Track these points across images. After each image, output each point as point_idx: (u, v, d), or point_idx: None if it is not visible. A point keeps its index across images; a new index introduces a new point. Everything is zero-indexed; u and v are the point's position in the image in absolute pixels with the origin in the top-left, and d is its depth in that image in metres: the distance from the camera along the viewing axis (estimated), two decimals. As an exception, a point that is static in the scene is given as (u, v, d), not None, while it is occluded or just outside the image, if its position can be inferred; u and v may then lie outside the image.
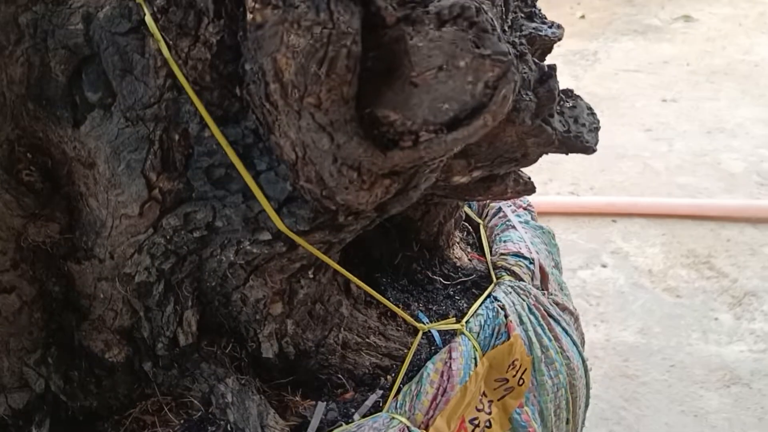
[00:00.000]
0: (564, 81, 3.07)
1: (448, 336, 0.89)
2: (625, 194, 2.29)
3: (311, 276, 0.78)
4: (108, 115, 0.67)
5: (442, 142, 0.60)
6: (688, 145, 2.52)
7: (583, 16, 3.65)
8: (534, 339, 0.89)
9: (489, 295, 0.91)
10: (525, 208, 1.04)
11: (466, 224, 1.05)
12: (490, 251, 0.99)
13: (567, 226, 2.18)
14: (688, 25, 3.56)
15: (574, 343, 0.95)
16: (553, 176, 2.34)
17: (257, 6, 0.55)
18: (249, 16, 0.56)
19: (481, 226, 1.04)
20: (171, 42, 0.64)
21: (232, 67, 0.65)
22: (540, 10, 0.79)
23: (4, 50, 0.65)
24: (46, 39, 0.65)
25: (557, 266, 1.03)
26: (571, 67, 3.12)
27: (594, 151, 0.75)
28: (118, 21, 0.64)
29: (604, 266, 2.03)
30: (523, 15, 0.77)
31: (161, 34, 0.63)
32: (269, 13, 0.55)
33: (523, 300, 0.91)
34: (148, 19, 0.64)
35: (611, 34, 3.46)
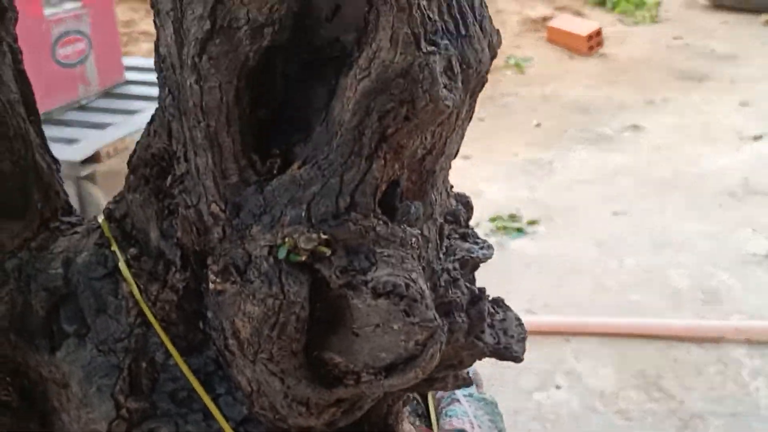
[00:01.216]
0: (521, 192, 3.21)
1: None
2: (578, 311, 2.39)
3: (266, 475, 0.84)
4: (82, 344, 0.75)
5: (380, 384, 0.68)
6: (637, 260, 2.65)
7: (539, 125, 3.85)
8: None
9: (434, 474, 0.98)
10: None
11: (416, 395, 1.12)
12: (437, 424, 1.06)
13: (523, 345, 2.27)
14: (637, 134, 3.78)
15: None
16: (509, 293, 2.44)
17: (218, 280, 0.64)
18: (211, 286, 0.65)
19: (429, 396, 1.11)
20: (142, 286, 0.72)
21: (196, 305, 0.73)
22: (473, 228, 0.89)
23: (-10, 292, 0.72)
24: (29, 282, 0.73)
25: (501, 432, 1.11)
26: (528, 177, 3.28)
27: (521, 360, 0.84)
28: (94, 267, 0.73)
29: (558, 387, 2.11)
30: (457, 236, 0.87)
31: (134, 280, 0.72)
32: (228, 286, 0.64)
33: (466, 478, 0.97)
34: (122, 265, 0.72)
35: (566, 143, 3.65)
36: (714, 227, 2.87)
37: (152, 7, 0.64)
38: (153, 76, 2.76)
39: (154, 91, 2.88)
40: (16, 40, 0.71)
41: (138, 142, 0.73)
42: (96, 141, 2.47)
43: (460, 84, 0.66)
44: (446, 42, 0.64)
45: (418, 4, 0.61)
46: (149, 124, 0.72)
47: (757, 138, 3.69)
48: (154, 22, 0.64)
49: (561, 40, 4.91)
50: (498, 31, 0.76)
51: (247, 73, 0.63)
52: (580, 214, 3.00)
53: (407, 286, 0.64)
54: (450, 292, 0.79)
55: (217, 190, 0.65)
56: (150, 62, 2.99)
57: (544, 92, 4.38)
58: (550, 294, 2.48)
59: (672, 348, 2.22)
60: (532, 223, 2.92)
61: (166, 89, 0.67)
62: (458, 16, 0.67)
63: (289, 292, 0.64)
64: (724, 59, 4.95)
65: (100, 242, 0.73)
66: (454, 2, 0.67)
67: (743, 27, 5.46)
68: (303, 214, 0.64)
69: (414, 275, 0.66)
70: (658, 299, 2.44)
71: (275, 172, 0.66)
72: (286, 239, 0.64)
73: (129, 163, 0.72)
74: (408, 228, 0.69)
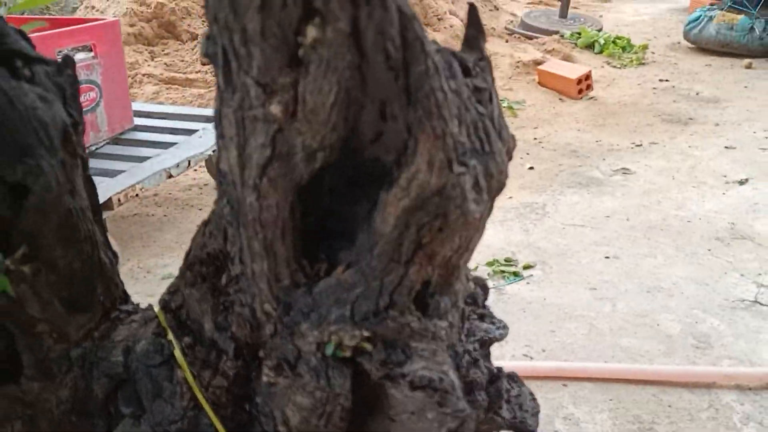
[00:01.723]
0: (517, 236, 3.29)
1: None
2: (573, 357, 2.47)
3: None
4: (137, 424, 0.81)
5: (414, 466, 0.75)
6: (630, 305, 2.74)
7: (532, 168, 3.96)
8: None
9: None
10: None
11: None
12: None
13: (522, 390, 2.34)
14: (627, 177, 3.90)
15: None
16: (508, 338, 2.51)
17: (272, 374, 0.71)
18: (265, 378, 0.72)
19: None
20: (195, 373, 0.79)
21: (244, 389, 0.80)
22: (489, 308, 0.97)
23: (56, 378, 0.79)
24: (92, 369, 0.80)
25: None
26: (522, 221, 3.37)
27: (535, 432, 0.92)
28: (152, 355, 0.80)
29: (557, 434, 2.17)
30: (476, 316, 0.95)
31: (188, 367, 0.79)
32: (281, 380, 0.71)
33: None
34: (178, 354, 0.79)
35: (558, 187, 3.76)
36: (703, 272, 2.97)
37: (215, 128, 0.72)
38: (160, 122, 2.85)
39: (162, 137, 2.94)
40: (84, 149, 0.79)
41: (193, 240, 0.81)
42: (107, 188, 2.53)
43: (485, 196, 0.75)
44: (474, 162, 0.73)
45: (451, 132, 0.70)
46: (204, 225, 0.79)
47: (742, 182, 3.82)
48: (217, 143, 0.73)
49: (551, 84, 5.06)
50: (513, 136, 0.85)
51: (299, 190, 0.71)
52: (574, 258, 3.09)
53: (440, 379, 0.72)
54: (471, 372, 0.87)
55: (271, 292, 0.73)
56: (157, 107, 3.06)
57: (536, 135, 4.50)
58: (546, 339, 2.55)
59: (665, 393, 2.30)
60: (527, 267, 3.00)
61: (225, 199, 0.75)
62: (483, 136, 0.75)
63: (335, 385, 0.71)
64: (708, 102, 5.12)
65: (157, 331, 0.81)
66: (479, 123, 0.75)
67: (726, 70, 5.65)
68: (347, 314, 0.72)
69: (445, 368, 0.74)
70: (650, 344, 2.52)
71: (322, 274, 0.74)
72: (333, 336, 0.72)
73: (185, 259, 0.80)
74: (438, 321, 0.77)
